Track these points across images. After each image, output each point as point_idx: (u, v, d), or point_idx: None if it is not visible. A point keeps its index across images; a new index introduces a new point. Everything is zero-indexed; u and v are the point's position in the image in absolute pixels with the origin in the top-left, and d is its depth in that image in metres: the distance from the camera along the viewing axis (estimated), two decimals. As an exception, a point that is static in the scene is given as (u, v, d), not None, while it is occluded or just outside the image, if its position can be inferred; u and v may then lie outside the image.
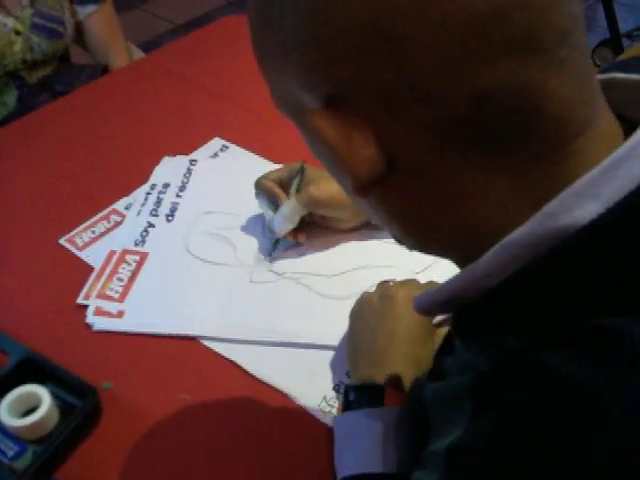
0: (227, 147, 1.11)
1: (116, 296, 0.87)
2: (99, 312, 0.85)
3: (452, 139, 0.38)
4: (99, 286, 0.88)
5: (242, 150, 1.11)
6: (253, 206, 0.96)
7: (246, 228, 0.96)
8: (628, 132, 0.40)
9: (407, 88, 0.36)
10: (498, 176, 0.39)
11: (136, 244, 0.94)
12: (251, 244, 0.94)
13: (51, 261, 0.93)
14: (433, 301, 0.45)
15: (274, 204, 0.92)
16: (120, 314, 0.85)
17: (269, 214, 0.91)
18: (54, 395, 0.73)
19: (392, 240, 0.91)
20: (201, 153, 1.11)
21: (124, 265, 0.91)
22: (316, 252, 0.92)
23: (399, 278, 0.80)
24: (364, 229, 0.94)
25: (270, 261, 0.91)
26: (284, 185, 0.92)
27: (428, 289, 0.46)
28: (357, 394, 0.69)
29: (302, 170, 0.90)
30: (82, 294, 0.87)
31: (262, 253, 0.92)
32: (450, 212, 0.41)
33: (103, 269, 0.90)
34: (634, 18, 2.74)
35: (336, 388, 0.77)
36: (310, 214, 0.91)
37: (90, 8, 1.43)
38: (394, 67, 0.36)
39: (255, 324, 0.83)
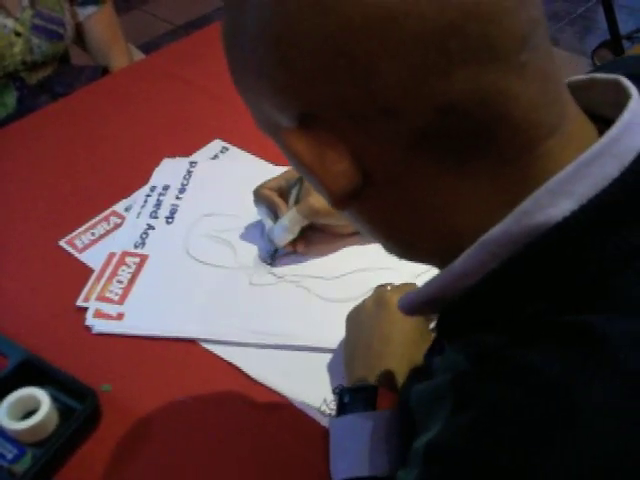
0: (227, 149, 1.11)
1: (116, 298, 0.87)
2: (99, 314, 0.85)
3: (422, 149, 0.39)
4: (99, 288, 0.88)
5: (242, 152, 1.11)
6: (253, 208, 0.96)
7: (246, 230, 0.96)
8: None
9: (374, 105, 0.37)
10: (470, 181, 0.39)
11: (136, 246, 0.94)
12: (251, 246, 0.94)
13: (51, 263, 0.93)
14: (415, 301, 0.46)
15: (274, 213, 0.91)
16: (120, 316, 0.85)
17: (269, 223, 0.91)
18: (53, 398, 0.73)
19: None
20: (201, 155, 1.11)
21: (124, 267, 0.91)
22: (317, 255, 0.92)
23: (398, 281, 0.80)
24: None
25: (269, 264, 0.91)
26: (283, 194, 0.92)
27: (411, 290, 0.47)
28: (351, 396, 0.69)
29: (301, 179, 0.90)
30: (82, 296, 0.87)
31: (261, 257, 0.92)
32: (426, 219, 0.42)
33: (103, 271, 0.90)
34: (634, 20, 2.74)
35: (336, 391, 0.77)
36: (310, 223, 0.91)
37: (90, 9, 1.43)
38: (359, 84, 0.37)
39: (255, 327, 0.83)
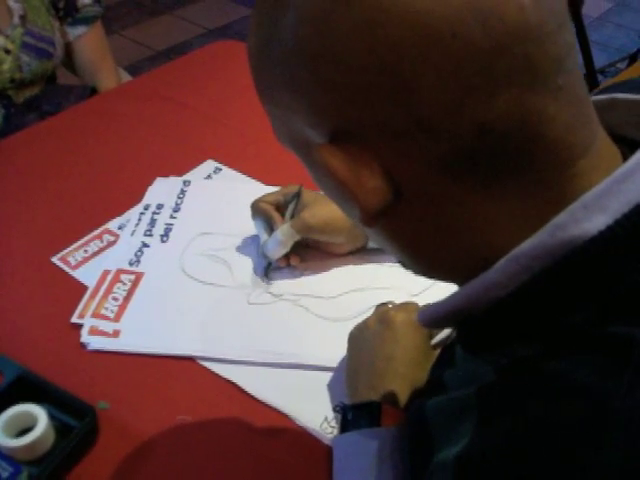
0: (220, 169, 1.11)
1: (111, 315, 0.86)
2: (94, 331, 0.84)
3: (458, 169, 0.39)
4: (94, 305, 0.87)
5: (235, 172, 1.11)
6: (248, 227, 0.97)
7: (242, 249, 0.96)
8: (629, 152, 0.41)
9: (413, 123, 0.38)
10: (504, 201, 0.40)
11: (131, 264, 0.93)
12: (247, 265, 0.93)
13: (44, 280, 0.91)
14: (438, 313, 0.46)
15: (270, 227, 0.92)
16: (116, 333, 0.84)
17: (264, 237, 0.92)
18: (50, 415, 0.71)
19: (389, 263, 0.92)
20: (194, 175, 1.10)
21: (119, 285, 0.90)
22: (314, 274, 0.92)
23: (398, 301, 0.81)
24: (359, 253, 0.95)
25: (266, 282, 0.91)
26: (280, 208, 0.93)
27: (433, 302, 0.47)
28: (355, 413, 0.69)
29: (299, 195, 0.91)
30: (76, 313, 0.86)
31: (257, 274, 0.92)
32: (455, 237, 0.43)
33: (98, 288, 0.89)
34: (607, 55, 2.83)
35: (337, 409, 0.76)
36: (305, 239, 0.91)
37: (80, 29, 1.43)
38: (400, 104, 0.37)
39: (254, 345, 0.83)
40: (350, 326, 0.80)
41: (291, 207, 0.91)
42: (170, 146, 1.17)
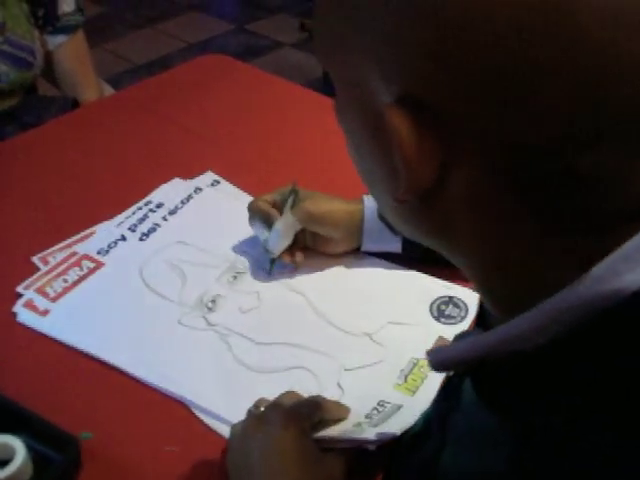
0: (218, 182, 1.07)
1: (52, 294, 0.85)
2: (28, 305, 0.83)
3: (521, 193, 0.36)
4: (44, 281, 0.86)
5: (233, 187, 1.06)
6: (226, 249, 0.94)
7: (208, 269, 0.91)
8: None
9: (505, 129, 0.34)
10: (551, 237, 0.37)
11: (98, 252, 0.92)
12: (201, 284, 0.88)
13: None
14: (455, 357, 0.43)
15: (269, 225, 0.90)
16: (45, 312, 0.82)
17: (264, 235, 0.90)
18: (27, 446, 0.66)
19: (335, 319, 0.84)
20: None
21: (76, 268, 0.89)
22: (260, 316, 0.86)
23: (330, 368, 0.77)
24: (353, 257, 0.92)
25: (270, 276, 0.90)
26: (277, 207, 0.91)
27: (448, 345, 0.45)
28: None
29: (295, 190, 0.90)
30: (24, 284, 0.86)
31: (263, 273, 0.91)
32: (483, 249, 0.40)
33: (56, 266, 0.89)
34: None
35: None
36: (302, 234, 0.90)
37: (60, 38, 1.38)
38: (504, 101, 0.33)
39: (164, 368, 0.78)
40: (262, 380, 0.76)
41: (289, 202, 0.89)
42: (156, 162, 1.12)
